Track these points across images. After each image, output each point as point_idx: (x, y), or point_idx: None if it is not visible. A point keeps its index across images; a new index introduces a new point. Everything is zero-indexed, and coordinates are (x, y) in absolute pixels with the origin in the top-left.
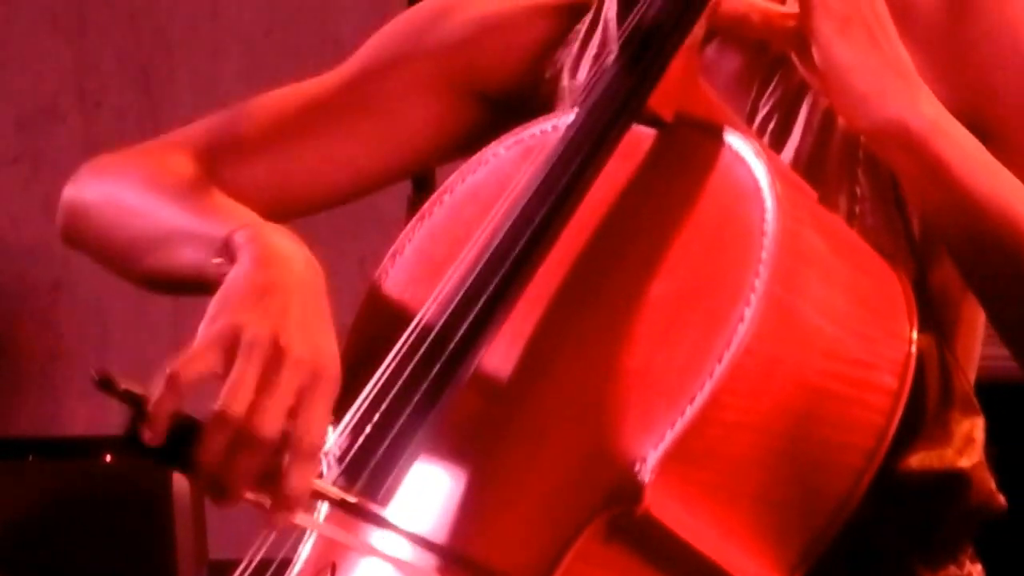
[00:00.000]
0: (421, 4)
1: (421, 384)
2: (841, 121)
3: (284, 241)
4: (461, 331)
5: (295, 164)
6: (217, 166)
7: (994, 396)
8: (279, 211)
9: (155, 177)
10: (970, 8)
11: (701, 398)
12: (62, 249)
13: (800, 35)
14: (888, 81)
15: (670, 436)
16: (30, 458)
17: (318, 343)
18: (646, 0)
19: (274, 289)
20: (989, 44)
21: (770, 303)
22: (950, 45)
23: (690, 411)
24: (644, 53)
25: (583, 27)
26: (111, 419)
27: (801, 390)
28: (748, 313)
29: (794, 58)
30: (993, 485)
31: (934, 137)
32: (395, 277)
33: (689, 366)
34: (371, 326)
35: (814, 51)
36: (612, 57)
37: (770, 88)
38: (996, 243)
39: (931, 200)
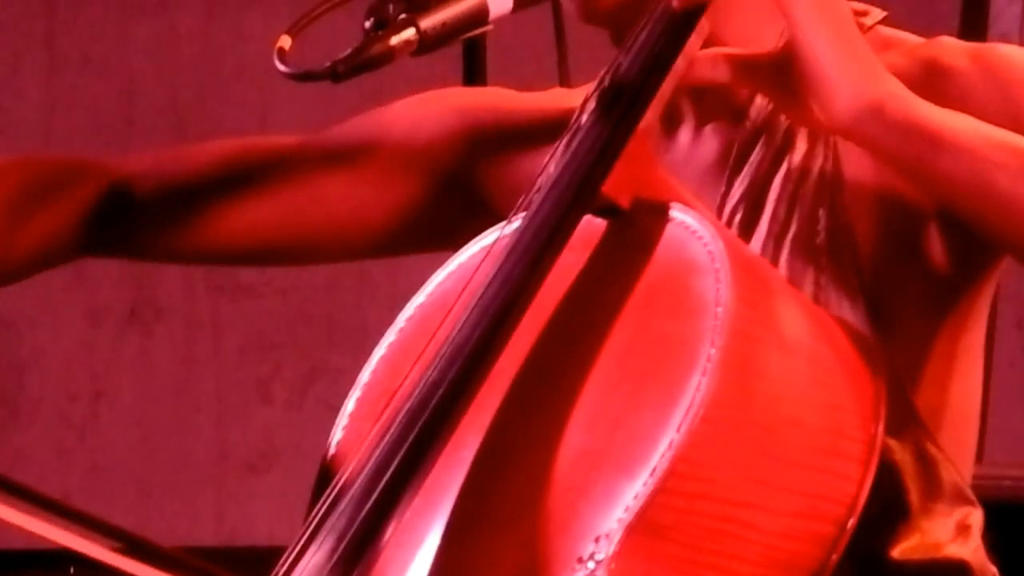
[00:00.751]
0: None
1: (380, 481)
2: (803, 210)
3: None
4: (422, 425)
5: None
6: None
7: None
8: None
9: None
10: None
11: (661, 469)
12: (103, 357)
13: (774, 66)
14: (859, 68)
15: (632, 510)
16: None
17: None
18: (607, 95)
19: None
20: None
21: (726, 371)
22: (994, 110)
23: (651, 482)
24: (594, 145)
25: (569, 133)
26: None
27: (764, 457)
28: (704, 382)
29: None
30: (995, 571)
31: (908, 105)
32: (364, 382)
33: (648, 438)
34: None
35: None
36: (568, 141)
37: (740, 176)
38: (995, 172)
39: (930, 162)
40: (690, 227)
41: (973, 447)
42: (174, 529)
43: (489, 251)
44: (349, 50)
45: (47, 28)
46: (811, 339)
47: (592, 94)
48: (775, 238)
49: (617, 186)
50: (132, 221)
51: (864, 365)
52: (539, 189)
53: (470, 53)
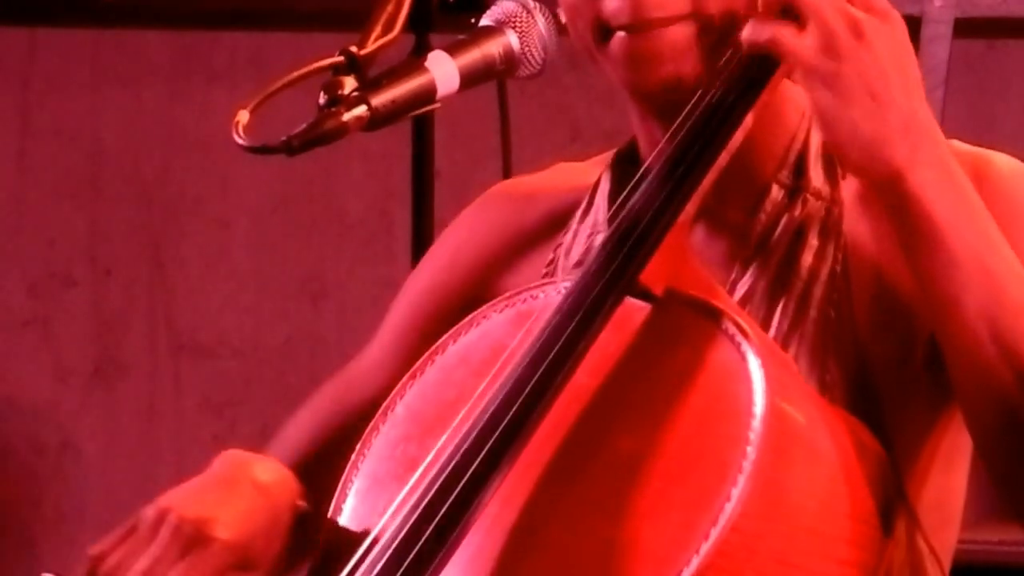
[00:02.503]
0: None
1: (415, 547)
2: (814, 309)
3: (260, 461)
4: (453, 497)
5: None
6: None
7: None
8: None
9: None
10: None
11: (688, 573)
12: (70, 411)
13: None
14: (886, 132)
15: None
16: None
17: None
18: (637, 180)
19: (219, 485)
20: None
21: (756, 482)
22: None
23: None
24: (634, 231)
25: (580, 209)
26: None
27: (784, 567)
28: (735, 492)
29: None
30: None
31: (927, 196)
32: (387, 434)
33: (676, 541)
34: (363, 481)
35: (811, 108)
36: (604, 235)
37: (749, 273)
38: (978, 313)
39: (919, 260)
40: (729, 331)
41: (954, 540)
42: None
43: (519, 319)
44: (304, 125)
45: (22, 100)
46: (832, 447)
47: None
48: (784, 336)
49: (654, 275)
50: None
51: (874, 469)
52: (580, 269)
53: (419, 128)
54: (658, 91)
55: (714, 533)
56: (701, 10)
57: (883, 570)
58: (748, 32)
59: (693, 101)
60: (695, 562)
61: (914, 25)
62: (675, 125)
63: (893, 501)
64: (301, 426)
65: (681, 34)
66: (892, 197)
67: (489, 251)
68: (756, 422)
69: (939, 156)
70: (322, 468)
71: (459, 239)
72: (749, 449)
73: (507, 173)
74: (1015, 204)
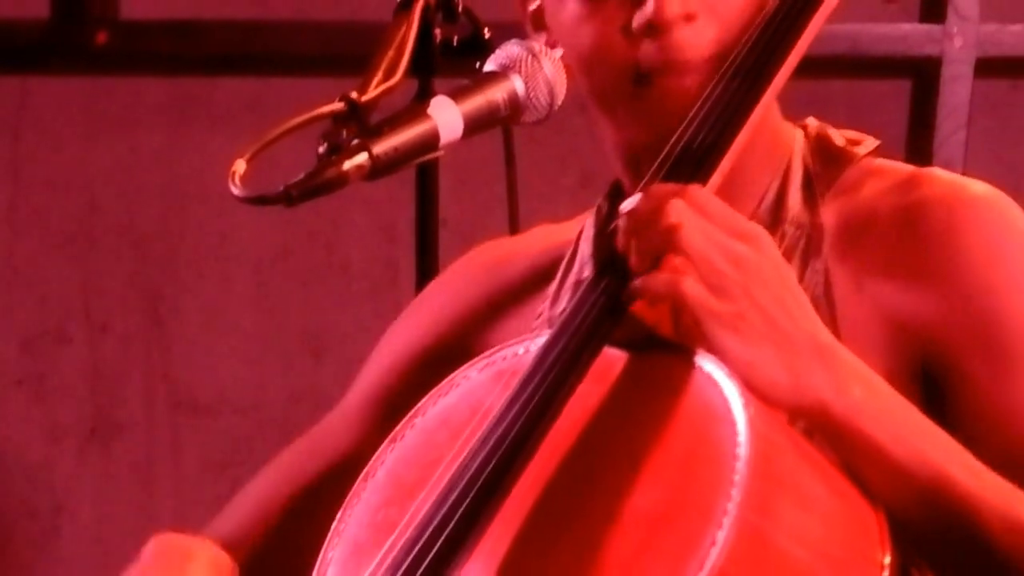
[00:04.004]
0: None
1: None
2: None
3: (194, 555)
4: (430, 558)
5: None
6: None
7: None
8: None
9: None
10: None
11: None
12: (64, 473)
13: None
14: (801, 365)
15: None
16: None
17: None
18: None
19: None
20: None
21: (742, 527)
22: (914, 266)
23: None
24: (614, 279)
25: (565, 260)
26: None
27: None
28: (720, 536)
29: None
30: None
31: (859, 417)
32: (368, 501)
33: None
34: (344, 549)
35: (722, 359)
36: (585, 283)
37: None
38: (936, 514)
39: (865, 475)
40: (709, 372)
41: None
42: None
43: (498, 377)
44: (303, 174)
45: (12, 151)
46: (820, 489)
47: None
48: None
49: (633, 323)
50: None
51: (865, 506)
52: (558, 321)
53: (423, 174)
54: (672, 131)
55: None
56: (725, 44)
57: None
58: (642, 284)
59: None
60: None
61: (935, 65)
62: (656, 164)
63: (884, 540)
64: (258, 494)
65: (704, 78)
66: (827, 426)
67: (470, 311)
68: (740, 464)
69: (853, 367)
70: (281, 532)
71: (439, 302)
72: (734, 492)
73: (513, 221)
74: (996, 242)
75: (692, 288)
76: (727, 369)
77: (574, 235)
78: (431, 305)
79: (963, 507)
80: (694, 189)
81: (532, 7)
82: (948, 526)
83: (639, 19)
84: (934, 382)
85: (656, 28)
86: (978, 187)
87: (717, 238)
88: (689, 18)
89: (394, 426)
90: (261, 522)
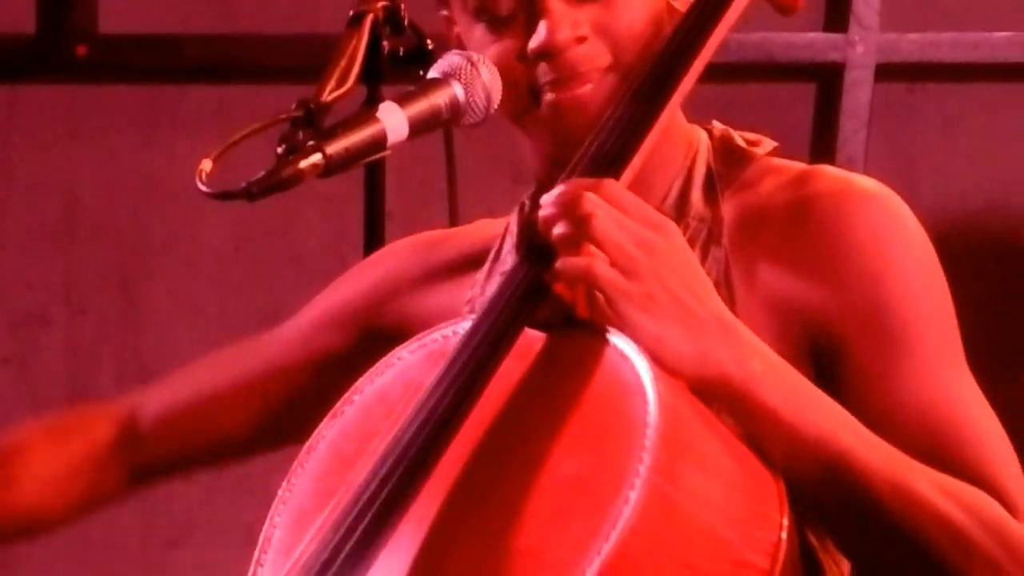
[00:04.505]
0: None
1: (334, 565)
2: None
3: None
4: (368, 518)
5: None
6: (138, 420)
7: None
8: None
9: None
10: (814, 223)
11: (590, 574)
12: None
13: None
14: (705, 340)
15: None
16: None
17: None
18: (539, 216)
19: None
20: (833, 263)
21: (651, 488)
22: (803, 256)
23: None
24: (534, 267)
25: (494, 250)
26: None
27: (680, 567)
28: (632, 496)
29: None
30: None
31: (758, 388)
32: (310, 471)
33: (579, 545)
34: (289, 515)
35: (635, 340)
36: (509, 267)
37: None
38: (831, 480)
39: (764, 443)
40: (623, 350)
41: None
42: None
43: (430, 358)
44: (263, 172)
45: (3, 153)
46: (723, 455)
47: (520, 231)
48: None
49: (552, 304)
50: (143, 448)
51: (766, 475)
52: (483, 305)
53: (371, 173)
54: (580, 139)
55: (613, 536)
56: (620, 60)
57: (777, 572)
58: (560, 267)
59: (587, 143)
60: (596, 562)
61: (838, 71)
62: (572, 163)
63: (783, 505)
64: (201, 370)
65: (606, 84)
66: (729, 396)
67: (403, 283)
68: (650, 431)
69: (753, 344)
70: (200, 417)
71: (377, 270)
72: (644, 456)
73: (453, 214)
74: (880, 234)
75: (604, 271)
76: (637, 346)
77: (510, 222)
78: (373, 274)
79: (856, 473)
80: (608, 183)
81: (456, 30)
82: (842, 492)
83: (532, 45)
84: (825, 367)
85: (548, 53)
86: (865, 182)
87: (628, 226)
88: (580, 40)
89: (326, 354)
90: (187, 409)
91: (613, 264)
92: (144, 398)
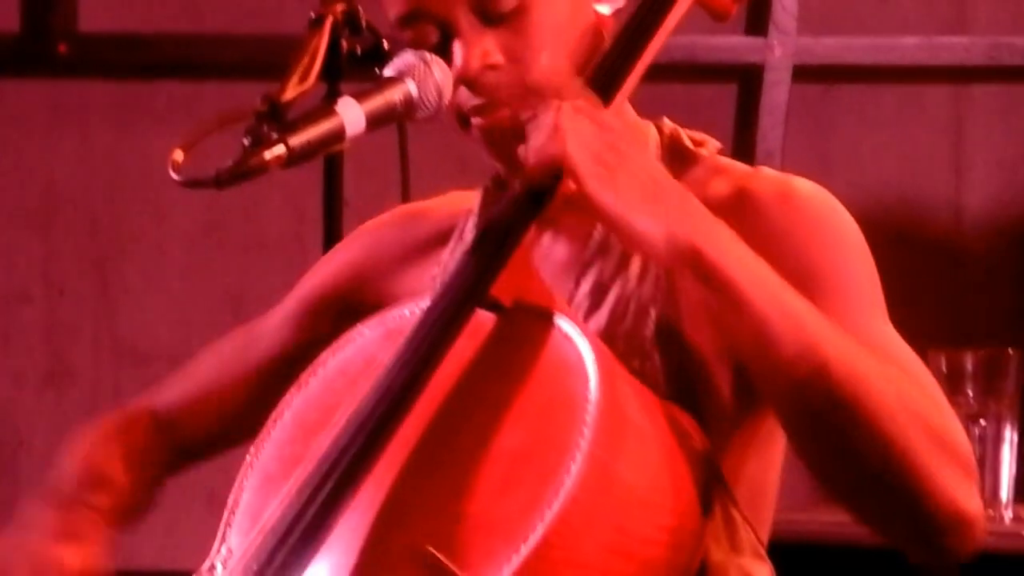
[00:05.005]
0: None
1: (299, 526)
2: (637, 309)
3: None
4: (331, 484)
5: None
6: (160, 415)
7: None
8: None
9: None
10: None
11: (534, 538)
12: (24, 412)
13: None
14: (673, 216)
15: (508, 572)
16: None
17: None
18: (492, 205)
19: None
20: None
21: (592, 460)
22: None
23: (524, 549)
24: (487, 250)
25: (458, 229)
26: None
27: (618, 533)
28: (573, 468)
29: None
30: None
31: (723, 258)
32: (276, 438)
33: (524, 512)
34: (256, 478)
35: (604, 219)
36: (463, 252)
37: (587, 275)
38: (778, 350)
39: (729, 319)
40: (567, 333)
41: (770, 516)
42: None
43: (388, 335)
44: (230, 162)
45: None
46: (657, 430)
47: (481, 213)
48: (611, 331)
49: (502, 288)
50: (175, 437)
51: (693, 448)
52: (439, 287)
53: (330, 163)
54: (513, 155)
55: (556, 504)
56: (538, 82)
57: (704, 537)
58: (535, 142)
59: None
60: (540, 529)
61: (758, 72)
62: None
63: (711, 479)
64: (205, 366)
65: (526, 106)
66: (693, 266)
67: (383, 262)
68: (591, 407)
69: (712, 220)
70: (211, 407)
71: (359, 249)
72: (585, 430)
73: (406, 201)
74: (817, 222)
75: (575, 150)
76: (575, 324)
77: (474, 204)
78: (355, 250)
79: (814, 339)
80: (582, 102)
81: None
82: (804, 362)
83: (452, 74)
84: None
85: (464, 81)
86: (805, 182)
87: (596, 121)
88: (493, 67)
89: (316, 335)
90: (199, 401)
91: (582, 148)
92: (156, 397)
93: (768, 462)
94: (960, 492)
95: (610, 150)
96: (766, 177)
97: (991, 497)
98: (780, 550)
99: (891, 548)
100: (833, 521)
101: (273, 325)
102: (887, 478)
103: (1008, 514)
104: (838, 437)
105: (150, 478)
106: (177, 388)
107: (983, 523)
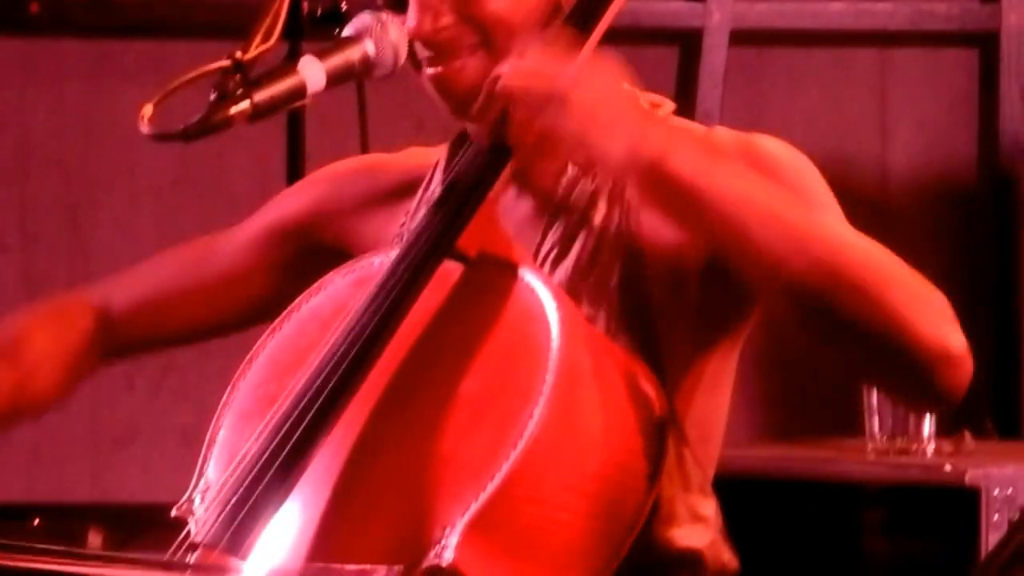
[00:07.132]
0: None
1: (276, 461)
2: (601, 260)
3: None
4: (306, 422)
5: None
6: (111, 309)
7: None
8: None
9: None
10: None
11: (499, 477)
12: None
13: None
14: (633, 131)
15: (474, 507)
16: None
17: None
18: (459, 158)
19: None
20: None
21: (553, 403)
22: None
23: (490, 487)
24: (454, 203)
25: (425, 181)
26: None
27: (577, 470)
28: (536, 411)
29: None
30: (727, 556)
31: (686, 169)
32: (251, 378)
33: (490, 452)
34: (233, 416)
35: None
36: (431, 205)
37: (553, 228)
38: (751, 238)
39: (692, 224)
40: (530, 284)
41: (717, 452)
42: (57, 491)
43: (359, 282)
44: (198, 117)
45: None
46: (614, 375)
47: (448, 167)
48: (576, 282)
49: (468, 241)
50: (116, 333)
51: (647, 393)
52: (407, 237)
53: (292, 118)
54: (463, 105)
55: (520, 444)
56: (488, 39)
57: (656, 475)
58: (503, 72)
59: None
60: (505, 467)
61: (697, 36)
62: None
63: (664, 419)
64: (162, 271)
65: (476, 61)
66: (656, 179)
67: (346, 204)
68: (553, 354)
69: (676, 130)
70: (157, 314)
71: (324, 189)
72: (548, 376)
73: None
74: (785, 174)
75: (519, 80)
76: (539, 275)
77: (440, 158)
78: (319, 190)
79: (796, 230)
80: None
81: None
82: (787, 249)
83: (406, 32)
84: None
85: (418, 39)
86: (763, 137)
87: (548, 54)
88: (443, 28)
89: (271, 263)
90: (147, 304)
91: (533, 86)
92: (114, 289)
93: (717, 403)
94: (944, 329)
95: (561, 77)
96: (725, 135)
97: (914, 432)
98: (723, 485)
99: (825, 481)
100: (771, 456)
101: (234, 245)
102: (879, 327)
103: (930, 448)
104: (832, 303)
105: (72, 365)
106: (129, 287)
107: (970, 359)
